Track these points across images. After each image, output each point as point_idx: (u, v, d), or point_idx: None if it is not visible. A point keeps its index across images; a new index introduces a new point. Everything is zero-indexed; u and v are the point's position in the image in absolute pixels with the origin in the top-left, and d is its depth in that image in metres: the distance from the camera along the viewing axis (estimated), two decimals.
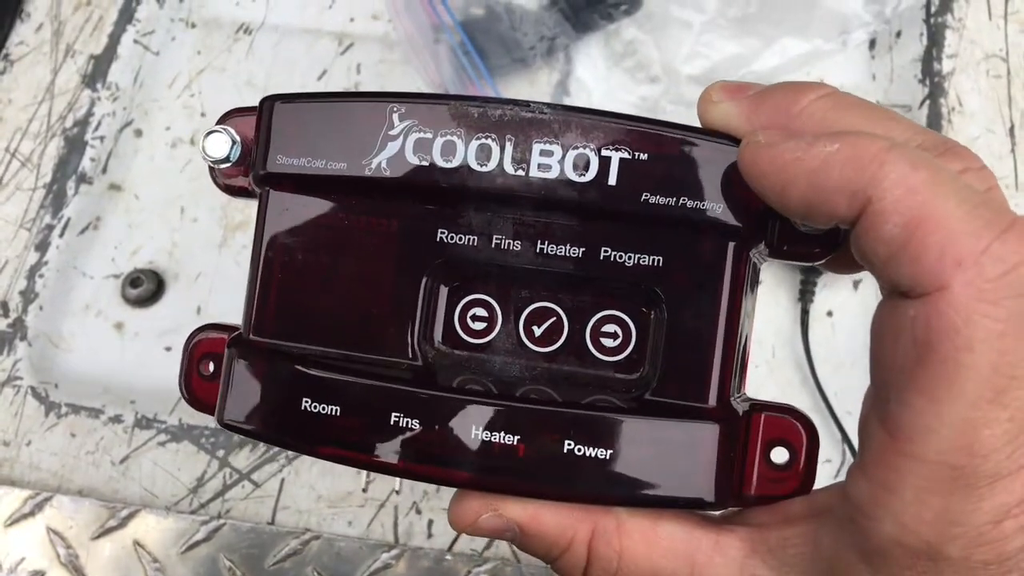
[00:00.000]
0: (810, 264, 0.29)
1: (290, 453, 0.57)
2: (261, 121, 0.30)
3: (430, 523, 0.55)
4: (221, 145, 0.31)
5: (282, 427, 0.29)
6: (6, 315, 0.62)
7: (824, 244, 0.28)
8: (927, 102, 0.61)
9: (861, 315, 0.58)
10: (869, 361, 0.26)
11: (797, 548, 0.28)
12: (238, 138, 0.31)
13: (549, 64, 0.64)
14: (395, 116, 0.29)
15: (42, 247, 0.63)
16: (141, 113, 0.67)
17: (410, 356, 0.29)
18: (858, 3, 0.62)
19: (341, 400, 0.28)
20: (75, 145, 0.66)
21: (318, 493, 0.56)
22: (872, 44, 0.64)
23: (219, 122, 0.31)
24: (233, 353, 0.30)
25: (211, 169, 0.32)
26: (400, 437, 0.28)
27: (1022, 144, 0.60)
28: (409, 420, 0.28)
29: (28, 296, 0.62)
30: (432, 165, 0.28)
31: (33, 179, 0.65)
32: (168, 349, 0.61)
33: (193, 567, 0.54)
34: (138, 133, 0.66)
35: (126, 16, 0.69)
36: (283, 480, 0.56)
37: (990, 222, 0.23)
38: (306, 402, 0.28)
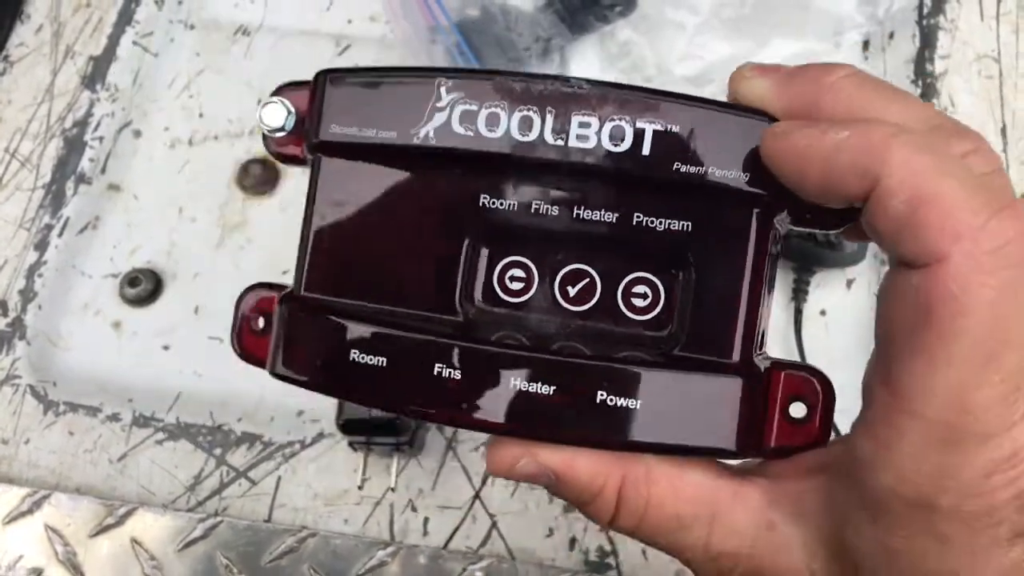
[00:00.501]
0: (829, 231, 0.31)
1: (286, 451, 0.57)
2: (315, 93, 0.32)
3: (426, 521, 0.55)
4: (277, 115, 0.32)
5: (331, 377, 0.31)
6: (5, 314, 0.62)
7: (841, 215, 0.30)
8: None
9: (854, 314, 0.59)
10: (874, 325, 0.28)
11: (812, 499, 0.30)
12: (293, 108, 0.32)
13: (544, 65, 0.64)
14: (443, 89, 0.30)
15: (41, 247, 0.64)
16: (140, 114, 0.67)
17: (452, 313, 0.31)
18: (851, 4, 0.62)
19: (387, 352, 0.30)
20: (74, 145, 0.66)
21: (314, 491, 0.56)
22: (865, 45, 0.65)
23: (274, 94, 0.33)
24: (285, 309, 0.32)
25: (264, 137, 0.33)
26: (443, 387, 0.29)
27: (1014, 144, 0.61)
28: (451, 371, 0.29)
29: (27, 295, 0.62)
30: (477, 135, 0.30)
31: (32, 179, 0.65)
32: (166, 348, 0.61)
33: (190, 564, 0.54)
34: (137, 134, 0.67)
35: (125, 18, 0.70)
36: (279, 478, 0.57)
37: (988, 201, 0.25)
38: (354, 353, 0.30)
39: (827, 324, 0.59)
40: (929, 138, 0.27)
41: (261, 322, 0.34)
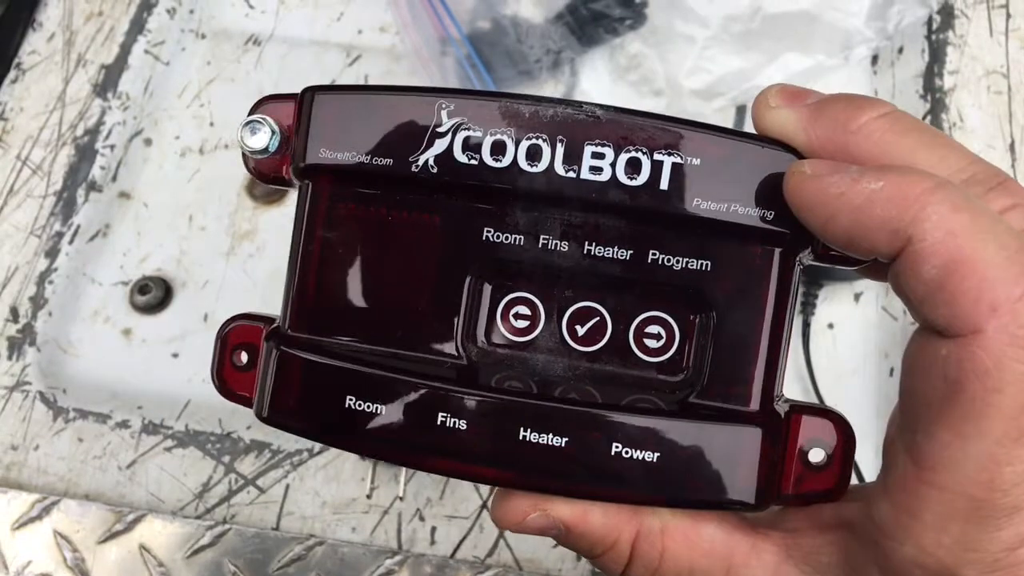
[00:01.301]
0: (852, 268, 0.30)
1: (294, 459, 0.57)
2: (302, 112, 0.30)
3: (433, 530, 0.55)
4: (261, 137, 0.30)
5: (325, 425, 0.29)
6: (16, 321, 0.62)
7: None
8: (928, 117, 0.62)
9: (861, 327, 0.59)
10: (899, 389, 0.27)
11: (828, 556, 0.29)
12: (277, 128, 0.30)
13: (554, 77, 0.64)
14: (444, 112, 0.28)
15: (52, 254, 0.64)
16: (151, 122, 0.68)
17: (453, 354, 0.30)
18: (860, 19, 0.62)
19: (386, 398, 0.28)
20: (85, 153, 0.66)
21: (322, 499, 0.56)
22: (874, 60, 0.65)
23: (254, 110, 0.31)
24: (272, 347, 0.30)
25: (244, 156, 0.31)
26: (447, 437, 0.28)
27: (1022, 160, 0.61)
28: (456, 420, 0.28)
29: (37, 302, 0.63)
30: (481, 164, 0.28)
31: (44, 187, 0.65)
32: (175, 355, 0.61)
33: (198, 572, 0.54)
34: (148, 142, 0.67)
35: (137, 27, 0.70)
36: (288, 486, 0.57)
37: None
38: (350, 400, 0.28)
39: (835, 337, 0.59)
40: (968, 193, 0.25)
41: (244, 357, 0.32)
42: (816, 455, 0.30)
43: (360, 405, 0.28)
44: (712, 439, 0.28)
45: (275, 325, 0.31)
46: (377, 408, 0.28)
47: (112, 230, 0.65)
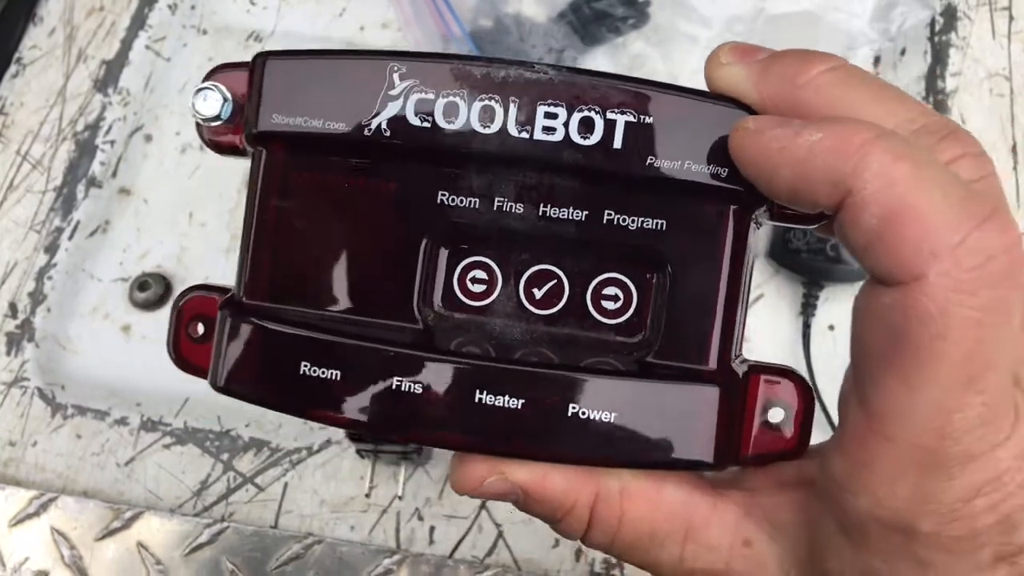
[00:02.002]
0: (807, 227, 0.30)
1: (293, 458, 0.57)
2: (253, 78, 0.29)
3: (432, 529, 0.55)
4: (212, 103, 0.30)
5: (280, 392, 0.29)
6: (14, 316, 0.62)
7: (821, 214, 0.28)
8: None
9: None
10: (850, 340, 0.27)
11: (788, 514, 0.29)
12: (229, 95, 0.30)
13: None
14: (396, 76, 0.28)
15: (51, 249, 0.64)
16: (152, 118, 0.67)
17: (410, 319, 0.29)
18: (863, 21, 0.62)
19: (341, 364, 0.28)
20: (85, 149, 0.66)
21: (321, 498, 0.56)
22: (876, 61, 0.65)
23: (207, 78, 0.30)
24: (226, 315, 0.30)
25: (198, 126, 0.31)
26: (403, 402, 0.28)
27: None
28: (412, 385, 0.28)
29: (36, 298, 0.62)
30: (434, 126, 0.28)
31: (43, 182, 0.65)
32: None
33: (196, 570, 0.54)
34: (148, 138, 0.67)
35: (138, 22, 0.70)
36: (286, 484, 0.57)
37: (971, 213, 0.23)
38: (305, 366, 0.28)
39: (835, 339, 0.59)
40: (912, 142, 0.25)
41: (201, 328, 0.31)
42: (775, 415, 0.29)
43: (315, 371, 0.28)
44: (669, 398, 0.28)
45: (230, 295, 0.31)
46: (332, 374, 0.28)
47: (112, 226, 0.65)
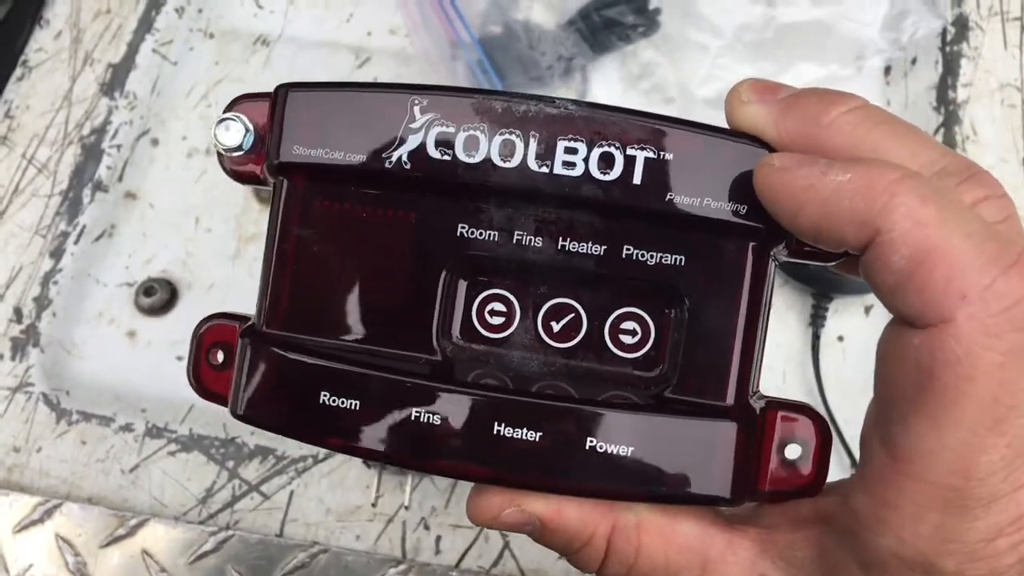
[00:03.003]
0: (827, 264, 0.30)
1: (299, 466, 0.57)
2: (275, 109, 0.30)
3: (438, 539, 0.55)
4: (234, 134, 0.30)
5: (300, 421, 0.29)
6: (19, 321, 0.62)
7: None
8: (941, 130, 0.62)
9: (872, 341, 0.58)
10: (874, 379, 0.27)
11: (804, 552, 0.29)
12: (251, 126, 0.30)
13: (566, 84, 0.64)
14: (416, 109, 0.28)
15: (57, 254, 0.63)
16: (158, 122, 0.67)
17: (429, 350, 0.30)
18: (874, 30, 0.62)
19: (361, 394, 0.28)
20: (92, 153, 0.66)
21: (327, 506, 0.56)
22: (887, 71, 0.65)
23: (229, 108, 0.31)
24: (247, 344, 0.30)
25: (220, 156, 0.31)
26: (421, 433, 0.28)
27: None
28: (430, 416, 0.28)
29: (42, 303, 0.62)
30: (454, 160, 0.28)
31: (49, 186, 0.65)
32: (180, 358, 0.61)
33: None
34: (154, 142, 0.67)
35: (145, 25, 0.70)
36: (292, 492, 0.56)
37: (997, 257, 0.24)
38: (324, 396, 0.28)
39: (844, 351, 0.59)
40: (937, 184, 0.25)
41: (220, 356, 0.32)
42: (792, 451, 0.30)
43: (334, 401, 0.28)
44: (687, 433, 0.28)
45: (250, 323, 0.31)
46: (351, 404, 0.28)
47: (118, 231, 0.64)
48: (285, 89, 0.30)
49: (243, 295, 0.62)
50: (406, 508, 0.55)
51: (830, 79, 0.62)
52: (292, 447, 0.57)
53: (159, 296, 0.62)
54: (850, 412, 0.56)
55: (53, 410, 0.59)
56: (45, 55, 0.69)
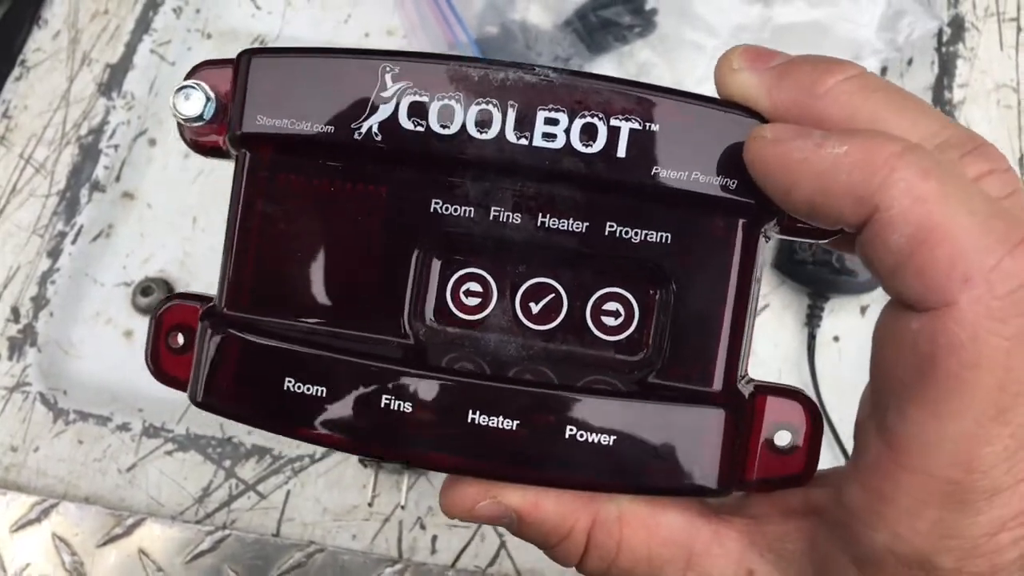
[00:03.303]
0: (820, 241, 0.29)
1: (296, 465, 0.57)
2: (238, 77, 0.28)
3: (434, 539, 0.55)
4: (194, 103, 0.28)
5: (263, 409, 0.28)
6: (17, 321, 0.62)
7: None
8: None
9: (868, 341, 0.58)
10: (870, 365, 0.26)
11: (794, 544, 0.28)
12: (212, 94, 0.28)
13: None
14: (388, 76, 0.27)
15: (54, 254, 0.63)
16: (156, 123, 0.67)
17: (400, 333, 0.28)
18: (870, 30, 0.62)
19: (328, 381, 0.27)
20: (89, 153, 0.66)
21: (323, 506, 0.56)
22: (884, 71, 0.65)
23: (189, 75, 0.29)
24: (207, 327, 0.28)
25: (180, 126, 0.30)
26: (392, 421, 0.26)
27: None
28: (401, 403, 0.26)
29: (39, 302, 0.62)
30: (428, 131, 0.27)
31: (47, 186, 0.65)
32: None
33: None
34: (152, 142, 0.67)
35: (143, 26, 0.70)
36: (289, 492, 0.56)
37: (1002, 235, 0.22)
38: (289, 382, 0.27)
39: (840, 350, 0.59)
40: (939, 157, 0.24)
41: (181, 338, 0.30)
42: (782, 438, 0.28)
43: (300, 388, 0.27)
44: (672, 421, 0.27)
45: (211, 304, 0.30)
46: (318, 391, 0.27)
47: (115, 231, 0.64)
48: (248, 55, 0.28)
49: None
50: (402, 507, 0.56)
51: None
52: (289, 447, 0.57)
53: (156, 296, 0.62)
54: (846, 412, 0.56)
55: (50, 409, 0.59)
56: (43, 55, 0.69)
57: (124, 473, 0.58)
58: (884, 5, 0.62)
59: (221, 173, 0.65)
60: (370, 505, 0.56)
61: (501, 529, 0.55)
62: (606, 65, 0.65)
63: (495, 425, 0.26)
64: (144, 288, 0.62)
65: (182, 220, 0.64)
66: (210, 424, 0.59)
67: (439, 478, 0.56)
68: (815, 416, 0.29)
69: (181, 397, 0.58)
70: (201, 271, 0.63)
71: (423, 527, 0.55)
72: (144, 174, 0.66)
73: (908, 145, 0.23)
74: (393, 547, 0.55)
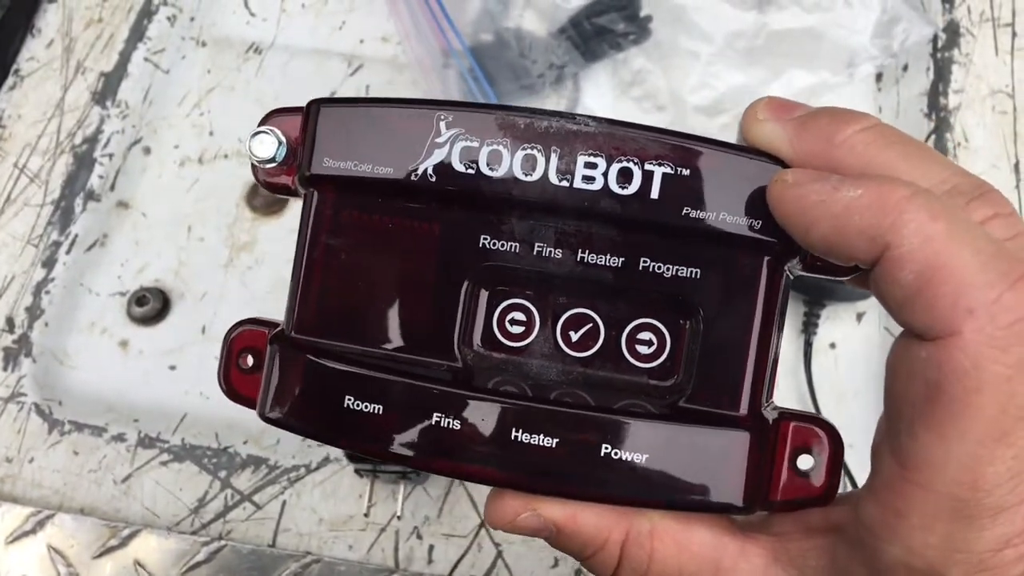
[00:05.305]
0: (839, 279, 0.30)
1: (291, 475, 0.57)
2: (307, 123, 0.31)
3: (431, 548, 0.55)
4: (267, 146, 0.31)
5: (324, 424, 0.30)
6: (11, 331, 0.62)
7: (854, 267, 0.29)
8: (933, 136, 0.62)
9: (864, 348, 0.59)
10: (884, 392, 0.28)
11: (815, 560, 0.29)
12: (283, 139, 0.32)
13: (557, 92, 0.64)
14: (442, 124, 0.29)
15: (49, 263, 0.63)
16: (150, 131, 0.67)
17: (450, 357, 0.30)
18: (865, 37, 0.62)
19: (383, 399, 0.29)
20: (84, 162, 0.66)
21: (319, 516, 0.56)
22: (879, 77, 0.65)
23: (263, 122, 0.32)
24: (276, 349, 0.31)
25: (253, 167, 0.32)
26: (442, 437, 0.29)
27: None
28: (450, 420, 0.29)
29: (34, 312, 0.62)
30: (478, 173, 0.29)
31: (41, 195, 0.65)
32: (172, 368, 0.61)
33: None
34: (147, 151, 0.67)
35: (137, 34, 0.70)
36: (284, 502, 0.56)
37: (1004, 272, 0.24)
38: (348, 400, 0.29)
39: (836, 357, 0.59)
40: (947, 202, 0.26)
41: (250, 360, 0.33)
42: (805, 461, 0.30)
43: (358, 405, 0.29)
44: (701, 442, 0.29)
45: (279, 329, 0.32)
46: (375, 408, 0.29)
47: (110, 240, 0.64)
48: (317, 104, 0.31)
49: (236, 304, 0.62)
50: (399, 518, 0.56)
51: (821, 86, 0.62)
52: (284, 457, 0.57)
53: (151, 305, 0.62)
54: (842, 419, 0.55)
55: (45, 420, 0.59)
56: (37, 64, 0.69)
57: (119, 484, 0.58)
58: (879, 11, 0.62)
59: (216, 183, 0.65)
60: (366, 515, 0.56)
61: (498, 538, 0.55)
62: (600, 72, 0.65)
63: (536, 443, 0.28)
64: (139, 298, 0.62)
65: (177, 229, 0.64)
66: (206, 434, 0.58)
67: (435, 488, 0.56)
68: (836, 441, 0.30)
69: (176, 407, 0.59)
70: (196, 280, 0.63)
71: (420, 537, 0.55)
72: (139, 183, 0.66)
73: (918, 190, 0.25)
74: (390, 557, 0.55)
